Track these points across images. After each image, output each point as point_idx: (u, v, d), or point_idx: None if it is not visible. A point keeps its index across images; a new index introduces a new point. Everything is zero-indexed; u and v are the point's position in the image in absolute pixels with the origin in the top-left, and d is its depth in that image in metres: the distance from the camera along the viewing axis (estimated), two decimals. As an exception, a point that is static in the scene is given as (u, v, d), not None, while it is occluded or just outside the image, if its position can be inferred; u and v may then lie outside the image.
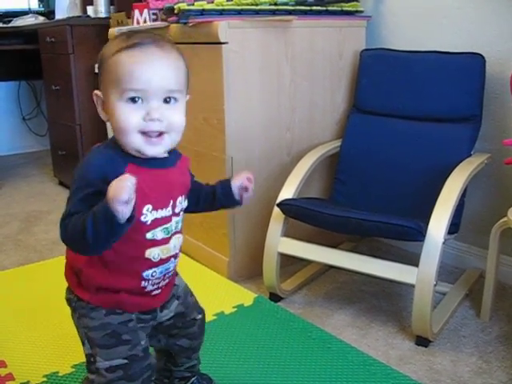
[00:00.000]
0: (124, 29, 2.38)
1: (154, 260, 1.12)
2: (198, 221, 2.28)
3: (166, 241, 1.13)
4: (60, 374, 1.55)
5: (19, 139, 4.50)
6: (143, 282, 1.13)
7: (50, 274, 2.17)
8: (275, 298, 1.97)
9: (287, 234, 1.89)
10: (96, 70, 2.92)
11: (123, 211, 0.92)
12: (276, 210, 1.87)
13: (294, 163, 2.05)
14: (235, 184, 1.28)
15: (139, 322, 1.17)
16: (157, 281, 1.16)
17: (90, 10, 3.32)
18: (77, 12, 3.56)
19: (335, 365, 1.58)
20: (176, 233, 1.16)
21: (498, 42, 1.97)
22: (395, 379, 1.51)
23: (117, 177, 0.97)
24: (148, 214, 1.08)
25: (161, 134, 1.05)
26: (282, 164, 2.18)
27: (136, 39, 1.04)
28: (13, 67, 3.95)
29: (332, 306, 1.95)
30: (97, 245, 0.99)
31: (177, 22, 2.09)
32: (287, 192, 1.90)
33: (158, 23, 2.21)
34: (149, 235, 1.10)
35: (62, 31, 3.07)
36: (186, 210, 1.27)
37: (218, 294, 1.99)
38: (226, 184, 1.29)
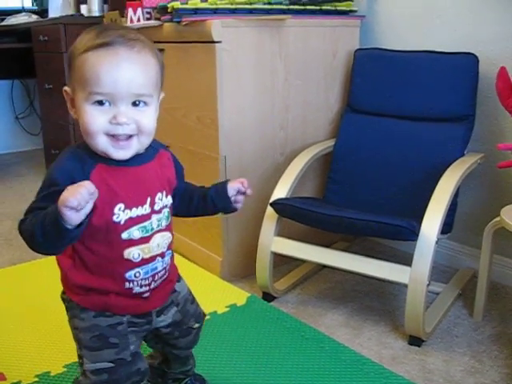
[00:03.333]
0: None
1: (135, 260, 1.09)
2: (191, 220, 2.28)
3: (145, 240, 1.09)
4: (52, 374, 1.54)
5: (12, 138, 4.48)
6: (127, 284, 1.10)
7: (43, 273, 2.16)
8: (268, 297, 1.96)
9: (280, 233, 1.89)
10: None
11: (71, 217, 0.90)
12: (269, 209, 1.86)
13: (287, 162, 2.05)
14: (231, 187, 1.24)
15: (131, 326, 1.15)
16: (144, 282, 1.12)
17: (83, 8, 3.31)
18: (70, 11, 3.55)
19: (328, 364, 1.57)
20: (159, 231, 1.12)
21: (492, 42, 1.98)
22: (388, 379, 1.51)
23: (84, 178, 0.97)
24: (120, 214, 1.05)
25: (129, 136, 1.03)
26: (275, 163, 2.17)
27: (105, 38, 0.99)
28: (6, 66, 3.93)
29: (325, 305, 1.95)
30: (46, 245, 0.97)
31: (170, 21, 2.08)
32: (280, 191, 1.90)
33: (152, 22, 2.20)
34: (124, 235, 1.07)
35: (56, 30, 3.06)
36: (178, 214, 1.25)
37: (210, 294, 1.99)
38: (220, 186, 1.25)
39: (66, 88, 1.07)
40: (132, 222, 1.07)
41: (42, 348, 1.67)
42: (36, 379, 1.52)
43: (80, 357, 1.14)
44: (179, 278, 1.29)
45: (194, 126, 2.12)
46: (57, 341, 1.69)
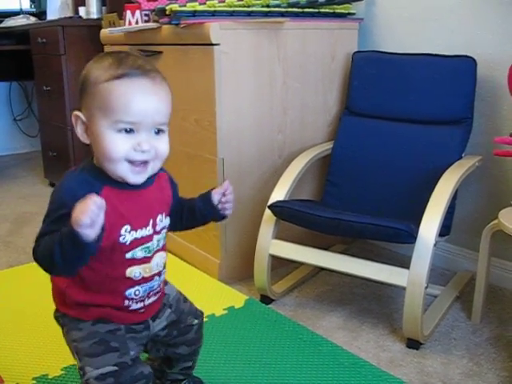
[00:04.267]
0: (115, 30, 2.37)
1: (136, 279, 1.12)
2: (190, 222, 2.28)
3: (147, 260, 1.13)
4: (49, 377, 1.53)
5: (10, 140, 4.48)
6: (126, 301, 1.14)
7: (40, 275, 2.14)
8: (266, 300, 1.96)
9: (278, 235, 1.89)
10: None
11: (87, 234, 0.91)
12: (267, 211, 1.86)
13: (285, 165, 2.05)
14: (215, 193, 1.25)
15: (129, 332, 1.17)
16: (141, 299, 1.16)
17: (81, 10, 3.31)
18: (68, 13, 3.55)
19: (326, 367, 1.57)
20: (158, 251, 1.16)
21: (490, 45, 1.98)
22: (386, 381, 1.51)
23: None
24: (127, 235, 1.08)
25: (145, 162, 1.06)
26: (273, 166, 2.17)
27: (126, 68, 1.03)
28: (4, 68, 3.93)
29: (323, 308, 1.95)
30: (65, 266, 0.98)
31: (168, 23, 2.08)
32: (279, 194, 1.90)
33: (150, 24, 2.20)
34: (128, 255, 1.10)
35: (54, 32, 3.06)
36: (173, 229, 1.27)
37: (208, 296, 1.99)
38: (205, 195, 1.27)
39: (78, 113, 1.08)
40: (137, 242, 1.11)
41: (39, 350, 1.67)
42: (34, 382, 1.52)
43: (80, 368, 1.13)
44: (166, 282, 1.31)
45: (193, 128, 2.12)
46: (54, 343, 1.68)
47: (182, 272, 2.17)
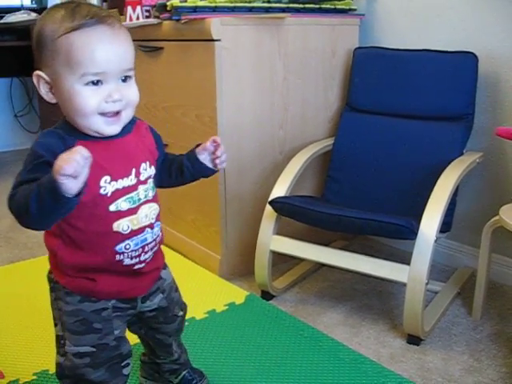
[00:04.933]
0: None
1: (124, 232, 1.09)
2: (190, 218, 2.28)
3: (133, 211, 1.10)
4: (50, 372, 1.54)
5: (11, 136, 4.47)
6: (117, 256, 1.10)
7: (41, 271, 2.14)
8: (267, 296, 1.96)
9: (279, 231, 1.89)
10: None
11: (69, 185, 0.87)
12: (268, 207, 1.86)
13: (286, 161, 2.05)
14: (202, 149, 1.25)
15: (116, 311, 1.16)
16: (135, 253, 1.12)
17: (82, 6, 3.30)
18: (69, 8, 3.54)
19: (326, 363, 1.58)
20: (147, 202, 1.13)
21: (491, 41, 1.98)
22: (386, 377, 1.51)
23: (66, 150, 0.93)
24: (107, 186, 1.06)
25: (117, 112, 1.05)
26: (274, 162, 2.17)
27: (82, 18, 1.00)
28: (5, 64, 3.92)
29: (324, 304, 1.95)
30: (40, 218, 0.94)
31: (169, 19, 2.08)
32: (279, 190, 1.90)
33: (151, 20, 2.20)
34: (112, 207, 1.07)
35: (55, 28, 3.05)
36: (163, 185, 1.26)
37: (209, 292, 1.99)
38: (191, 153, 1.26)
39: (39, 73, 1.05)
40: (119, 193, 1.08)
41: (40, 346, 1.67)
42: (34, 377, 1.52)
43: (61, 337, 1.15)
44: (165, 266, 1.30)
45: (193, 124, 2.12)
46: (54, 339, 1.69)
47: (182, 268, 2.17)
